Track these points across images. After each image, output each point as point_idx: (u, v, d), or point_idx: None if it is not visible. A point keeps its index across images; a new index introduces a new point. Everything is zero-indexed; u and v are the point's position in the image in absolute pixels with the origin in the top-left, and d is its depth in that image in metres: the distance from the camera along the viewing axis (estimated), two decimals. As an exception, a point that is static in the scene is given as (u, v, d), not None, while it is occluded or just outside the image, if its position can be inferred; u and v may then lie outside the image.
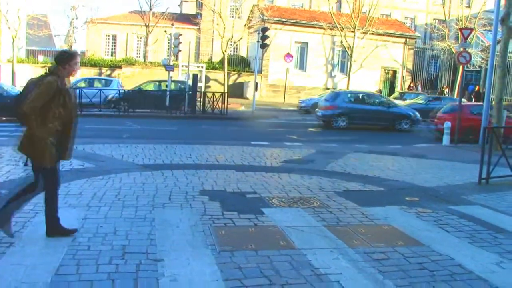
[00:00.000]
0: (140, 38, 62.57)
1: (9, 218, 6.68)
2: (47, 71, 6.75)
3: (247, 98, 44.94)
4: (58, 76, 6.61)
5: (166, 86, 33.00)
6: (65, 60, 6.74)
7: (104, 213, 8.06)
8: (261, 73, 46.87)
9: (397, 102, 39.25)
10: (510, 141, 13.61)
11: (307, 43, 49.98)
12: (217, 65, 50.01)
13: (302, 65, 50.26)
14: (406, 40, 52.61)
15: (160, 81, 35.01)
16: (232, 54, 56.36)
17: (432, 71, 62.14)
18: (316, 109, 28.97)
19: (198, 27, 62.02)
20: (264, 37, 35.39)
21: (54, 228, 6.82)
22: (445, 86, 54.65)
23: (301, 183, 11.22)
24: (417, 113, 28.12)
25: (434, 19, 63.00)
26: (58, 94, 6.51)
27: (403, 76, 52.85)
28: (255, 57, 41.19)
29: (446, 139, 20.55)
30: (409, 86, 52.56)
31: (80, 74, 42.42)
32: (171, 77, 35.60)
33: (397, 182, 11.86)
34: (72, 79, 20.29)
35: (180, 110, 30.68)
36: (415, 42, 54.99)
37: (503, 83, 19.32)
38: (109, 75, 47.65)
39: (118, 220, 7.66)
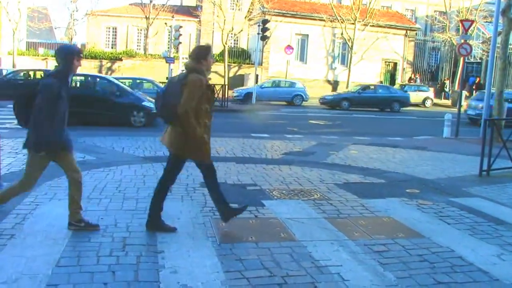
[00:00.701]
0: (141, 30, 62.46)
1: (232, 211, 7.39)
2: (185, 68, 6.86)
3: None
4: (198, 71, 6.68)
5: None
6: (203, 55, 6.81)
7: (105, 205, 8.07)
8: (261, 65, 46.81)
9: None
10: None
11: (307, 35, 49.96)
12: (217, 57, 49.92)
13: (302, 57, 50.25)
14: (406, 32, 52.60)
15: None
16: (232, 46, 56.32)
17: (433, 63, 62.05)
18: None
19: (198, 19, 61.93)
20: (264, 29, 35.36)
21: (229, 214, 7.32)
22: (446, 78, 54.57)
23: (301, 175, 11.22)
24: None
25: (434, 11, 62.83)
26: (206, 91, 6.67)
27: (404, 68, 52.82)
28: (255, 49, 41.16)
29: (446, 131, 20.54)
30: (410, 78, 52.50)
31: (81, 66, 42.41)
32: (171, 70, 35.62)
33: (398, 174, 11.86)
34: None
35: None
36: (416, 34, 54.95)
37: (504, 75, 19.31)
38: (109, 67, 47.66)
39: (119, 212, 7.67)
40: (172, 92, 6.64)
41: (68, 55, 6.53)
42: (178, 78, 6.82)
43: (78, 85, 22.30)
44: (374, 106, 36.62)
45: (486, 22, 50.31)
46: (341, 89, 47.44)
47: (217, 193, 7.29)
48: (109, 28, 63.88)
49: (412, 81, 51.00)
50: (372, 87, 39.32)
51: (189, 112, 6.43)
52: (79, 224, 6.81)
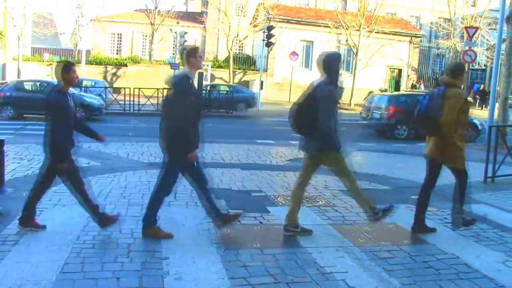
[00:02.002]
0: (146, 36, 62.54)
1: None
2: (443, 83, 7.56)
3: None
4: (456, 86, 7.44)
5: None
6: (459, 71, 7.59)
7: (109, 211, 8.06)
8: (266, 71, 46.88)
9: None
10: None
11: (312, 42, 49.98)
12: (222, 64, 50.07)
13: (307, 64, 50.22)
14: (411, 38, 52.59)
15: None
16: (237, 52, 56.35)
17: (438, 70, 62.03)
18: None
19: (203, 25, 62.04)
20: (269, 36, 35.40)
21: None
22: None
23: (306, 181, 11.20)
24: None
25: (439, 18, 62.85)
26: (464, 104, 7.33)
27: (408, 75, 52.79)
28: (260, 56, 41.24)
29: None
30: (412, 85, 52.46)
31: (86, 72, 42.49)
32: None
33: (403, 181, 11.84)
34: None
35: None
36: (421, 40, 54.94)
37: (509, 82, 19.23)
38: (114, 73, 47.73)
39: (124, 218, 7.66)
40: (433, 106, 7.33)
41: None
42: (437, 93, 7.42)
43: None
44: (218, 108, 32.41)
45: (491, 29, 50.33)
46: (346, 96, 47.45)
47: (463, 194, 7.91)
48: (114, 34, 64.00)
49: (414, 88, 50.95)
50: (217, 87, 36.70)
51: (451, 123, 7.12)
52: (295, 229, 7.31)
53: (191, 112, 6.75)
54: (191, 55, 6.87)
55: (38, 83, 26.73)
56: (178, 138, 6.82)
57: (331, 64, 7.23)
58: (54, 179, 7.17)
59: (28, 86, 26.67)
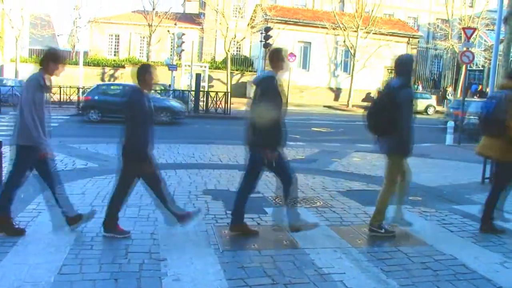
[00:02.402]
0: (143, 37, 62.47)
1: None
2: (503, 87, 8.03)
3: (250, 98, 44.93)
4: None
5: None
6: None
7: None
8: (264, 72, 46.84)
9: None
10: None
11: (310, 43, 50.00)
12: (220, 65, 50.09)
13: (305, 65, 50.26)
14: (409, 39, 52.63)
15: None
16: (235, 53, 56.36)
17: (435, 71, 62.07)
18: None
19: (201, 26, 61.98)
20: (267, 37, 35.40)
21: None
22: (448, 86, 54.57)
23: (304, 182, 11.21)
24: None
25: (437, 19, 62.86)
26: None
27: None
28: (258, 57, 41.24)
29: (449, 138, 20.52)
30: None
31: (84, 73, 42.49)
32: (174, 77, 35.66)
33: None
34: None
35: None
36: (418, 41, 54.99)
37: (507, 82, 19.25)
38: (112, 75, 47.73)
39: (121, 220, 7.64)
40: (501, 109, 7.65)
41: None
42: (503, 97, 7.75)
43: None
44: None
45: (488, 30, 50.31)
46: (344, 97, 47.46)
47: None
48: (111, 35, 63.95)
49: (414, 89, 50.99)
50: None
51: None
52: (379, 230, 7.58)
53: (280, 111, 7.01)
54: (279, 57, 7.14)
55: (122, 87, 26.96)
56: (268, 136, 6.97)
57: (407, 67, 7.51)
58: (134, 181, 7.27)
59: (112, 89, 27.26)
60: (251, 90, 43.40)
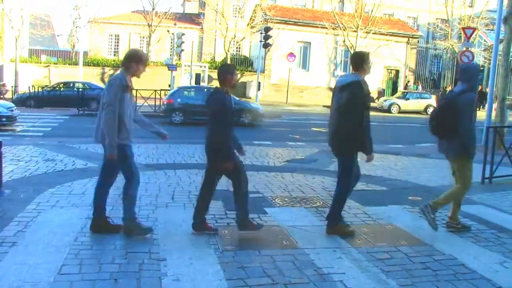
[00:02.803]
0: (143, 37, 62.51)
1: None
2: None
3: (250, 98, 44.95)
4: None
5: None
6: None
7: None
8: (263, 72, 46.88)
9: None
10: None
11: (309, 43, 50.00)
12: (220, 65, 50.03)
13: (304, 65, 50.27)
14: (408, 39, 52.64)
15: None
16: (234, 53, 56.39)
17: (435, 71, 62.10)
18: None
19: (200, 26, 62.03)
20: (266, 37, 35.43)
21: None
22: (448, 86, 54.56)
23: (304, 182, 11.22)
24: None
25: (436, 19, 62.92)
26: None
27: (406, 76, 52.83)
28: (257, 57, 41.24)
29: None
30: (405, 85, 52.44)
31: (83, 74, 42.48)
32: (173, 77, 35.65)
33: (400, 182, 11.85)
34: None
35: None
36: (418, 41, 55.00)
37: (506, 82, 19.26)
38: (112, 75, 47.73)
39: (121, 220, 7.66)
40: None
41: None
42: None
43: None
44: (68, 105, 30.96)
45: (488, 29, 50.37)
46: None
47: None
48: (111, 35, 64.00)
49: (408, 88, 50.94)
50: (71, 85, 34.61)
51: None
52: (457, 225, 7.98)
53: (368, 114, 7.26)
54: (365, 61, 7.41)
55: (203, 89, 27.43)
56: (355, 139, 7.26)
57: (473, 74, 7.86)
58: (217, 180, 7.54)
59: (193, 91, 27.86)
60: (249, 90, 43.41)
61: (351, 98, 7.16)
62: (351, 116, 7.14)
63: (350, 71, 8.00)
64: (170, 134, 7.78)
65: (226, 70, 7.23)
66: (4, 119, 20.40)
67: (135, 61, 7.07)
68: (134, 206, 7.18)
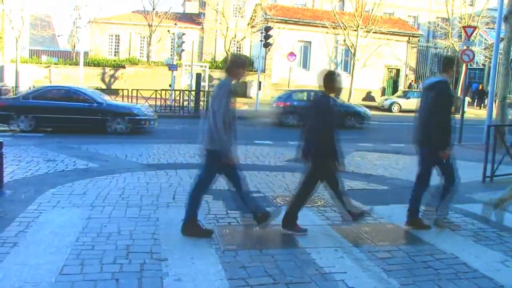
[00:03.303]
0: (143, 37, 62.54)
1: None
2: None
3: (251, 97, 44.94)
4: None
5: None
6: None
7: (108, 212, 8.07)
8: (264, 72, 46.83)
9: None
10: None
11: (310, 42, 49.93)
12: (220, 65, 49.99)
13: (305, 64, 50.19)
14: (409, 38, 52.55)
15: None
16: (235, 53, 56.34)
17: (436, 70, 62.03)
18: None
19: (201, 26, 62.01)
20: (267, 36, 35.35)
21: None
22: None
23: (305, 182, 11.20)
24: None
25: (437, 18, 62.82)
26: None
27: (407, 75, 52.78)
28: (258, 56, 41.19)
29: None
30: (410, 84, 52.42)
31: (84, 74, 42.50)
32: (174, 77, 35.64)
33: (401, 181, 11.84)
34: None
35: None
36: (418, 40, 54.92)
37: (507, 81, 19.26)
38: (112, 75, 47.73)
39: (122, 220, 7.67)
40: None
41: None
42: None
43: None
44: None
45: (489, 28, 50.29)
46: (345, 96, 47.47)
47: None
48: (112, 35, 63.97)
49: (412, 88, 50.95)
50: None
51: None
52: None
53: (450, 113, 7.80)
54: (453, 65, 8.03)
55: (311, 93, 27.59)
56: (441, 136, 7.73)
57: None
58: (317, 182, 7.66)
59: (303, 95, 28.19)
60: (250, 90, 43.33)
61: (436, 96, 7.66)
62: (436, 114, 7.61)
63: (438, 74, 8.53)
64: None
65: (329, 77, 7.50)
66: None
67: (238, 66, 7.29)
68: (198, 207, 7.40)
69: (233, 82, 7.26)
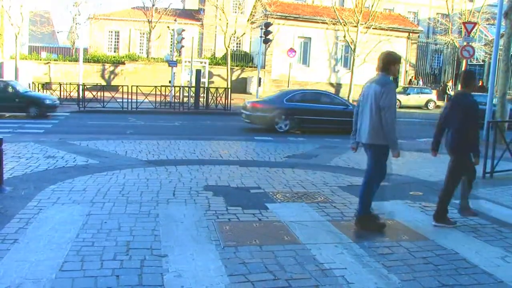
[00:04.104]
0: (143, 34, 62.56)
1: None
2: None
3: (251, 94, 44.95)
4: None
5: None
6: None
7: (108, 209, 8.07)
8: (264, 68, 46.82)
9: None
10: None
11: (310, 38, 49.91)
12: (220, 61, 49.99)
13: (305, 60, 50.19)
14: (409, 34, 52.54)
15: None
16: (235, 49, 56.33)
17: (436, 66, 62.03)
18: None
19: (201, 22, 61.97)
20: (267, 32, 35.33)
21: None
22: (448, 80, 54.46)
23: (305, 178, 11.21)
24: None
25: (437, 13, 62.86)
26: None
27: (407, 71, 52.75)
28: (258, 52, 41.17)
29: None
30: (410, 81, 52.39)
31: (83, 70, 42.47)
32: (174, 73, 35.61)
33: (401, 177, 11.84)
34: None
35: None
36: (418, 36, 54.89)
37: (507, 77, 19.26)
38: (112, 71, 47.70)
39: (122, 216, 7.66)
40: None
41: None
42: None
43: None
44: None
45: (489, 24, 50.28)
46: (345, 92, 47.45)
47: None
48: (111, 32, 63.96)
49: (412, 84, 50.95)
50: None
51: None
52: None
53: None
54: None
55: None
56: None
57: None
58: (461, 175, 8.22)
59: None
60: (250, 86, 43.28)
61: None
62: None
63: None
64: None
65: (470, 76, 8.14)
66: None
67: (393, 63, 7.76)
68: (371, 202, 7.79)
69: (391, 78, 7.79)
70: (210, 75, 46.83)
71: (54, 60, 49.22)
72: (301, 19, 49.37)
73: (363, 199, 7.66)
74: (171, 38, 55.29)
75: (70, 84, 34.72)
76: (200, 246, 6.45)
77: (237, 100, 36.20)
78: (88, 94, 30.83)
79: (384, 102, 7.28)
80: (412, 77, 53.20)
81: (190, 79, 36.54)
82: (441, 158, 14.96)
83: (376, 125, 7.41)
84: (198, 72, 32.76)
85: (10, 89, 26.11)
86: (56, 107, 27.32)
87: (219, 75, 48.07)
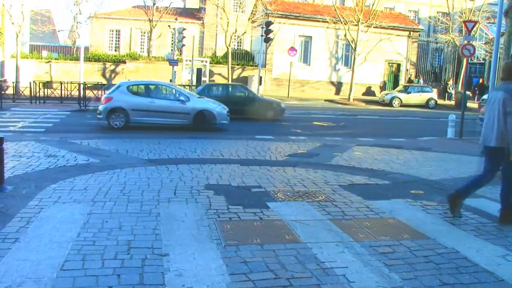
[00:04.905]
0: (144, 33, 62.55)
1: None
2: None
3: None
4: None
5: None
6: None
7: (109, 208, 8.07)
8: (265, 67, 46.82)
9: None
10: None
11: (311, 37, 49.89)
12: (221, 60, 49.96)
13: (306, 59, 50.16)
14: (410, 33, 52.50)
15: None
16: (236, 48, 56.30)
17: (436, 64, 61.98)
18: None
19: (201, 21, 62.00)
20: (268, 31, 35.37)
21: None
22: (449, 79, 54.45)
23: (306, 176, 11.21)
24: None
25: (437, 12, 62.82)
26: None
27: (407, 69, 52.74)
28: (259, 51, 41.20)
29: (450, 131, 20.49)
30: (409, 79, 52.33)
31: (84, 69, 42.45)
32: (175, 72, 35.62)
33: (402, 176, 11.84)
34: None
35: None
36: (419, 35, 54.84)
37: (508, 75, 19.24)
38: (113, 70, 47.69)
39: (123, 215, 7.67)
40: None
41: None
42: None
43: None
44: None
45: (489, 23, 50.31)
46: (345, 91, 47.45)
47: None
48: (112, 30, 63.97)
49: (411, 83, 50.93)
50: None
51: None
52: None
53: None
54: None
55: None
56: None
57: None
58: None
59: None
60: (251, 84, 43.28)
61: None
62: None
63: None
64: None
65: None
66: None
67: None
68: None
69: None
70: (211, 74, 46.82)
71: (55, 59, 49.20)
72: (302, 18, 49.36)
73: (503, 199, 8.17)
74: (172, 37, 55.29)
75: (71, 83, 34.70)
76: (201, 245, 6.45)
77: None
78: (89, 93, 30.82)
79: (509, 107, 7.71)
80: (411, 75, 53.13)
81: (191, 78, 36.61)
82: (443, 157, 15.02)
83: (502, 129, 7.85)
84: (199, 71, 32.81)
85: None
86: None
87: (220, 74, 48.03)
